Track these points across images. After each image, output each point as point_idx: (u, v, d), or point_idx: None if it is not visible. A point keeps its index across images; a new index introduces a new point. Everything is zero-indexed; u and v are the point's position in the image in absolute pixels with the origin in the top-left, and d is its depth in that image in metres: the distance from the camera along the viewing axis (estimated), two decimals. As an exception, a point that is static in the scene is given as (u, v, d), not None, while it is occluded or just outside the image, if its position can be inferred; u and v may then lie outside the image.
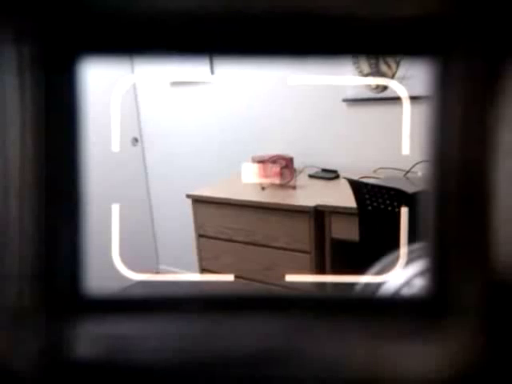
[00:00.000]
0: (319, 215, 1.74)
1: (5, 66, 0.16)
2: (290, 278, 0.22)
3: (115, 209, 0.22)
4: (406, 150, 0.21)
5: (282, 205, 1.81)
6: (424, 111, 0.17)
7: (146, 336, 0.17)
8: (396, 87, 0.20)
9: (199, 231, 2.06)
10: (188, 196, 2.03)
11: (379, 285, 0.23)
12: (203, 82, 2.56)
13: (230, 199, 1.92)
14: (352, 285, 0.23)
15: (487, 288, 0.16)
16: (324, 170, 2.14)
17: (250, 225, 1.91)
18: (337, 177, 2.06)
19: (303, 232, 1.78)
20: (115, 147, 0.23)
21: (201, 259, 2.09)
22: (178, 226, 2.83)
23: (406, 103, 0.20)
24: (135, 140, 2.84)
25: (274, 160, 1.98)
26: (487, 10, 0.15)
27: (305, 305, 0.18)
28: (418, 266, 0.23)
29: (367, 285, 0.23)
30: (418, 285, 0.22)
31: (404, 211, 0.21)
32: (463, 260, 0.17)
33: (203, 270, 2.09)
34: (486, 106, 0.16)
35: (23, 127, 0.16)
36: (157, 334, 0.17)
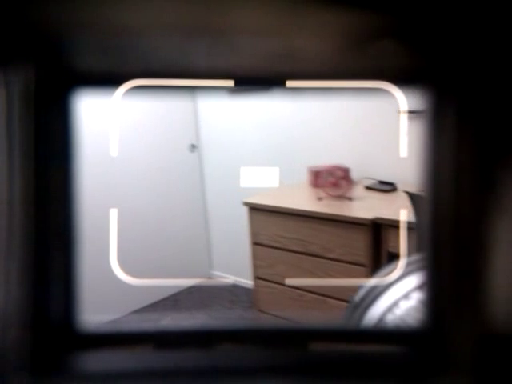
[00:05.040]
0: (376, 228, 1.72)
1: None
2: (290, 281, 0.23)
3: (113, 214, 0.21)
4: (403, 152, 0.22)
5: (339, 216, 1.79)
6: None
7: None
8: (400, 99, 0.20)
9: (254, 239, 2.08)
10: (245, 203, 2.06)
11: (376, 296, 0.24)
12: (263, 90, 2.59)
13: (286, 208, 1.93)
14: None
15: (480, 341, 0.16)
16: (381, 182, 2.11)
17: (306, 235, 1.91)
18: (394, 189, 2.03)
19: (359, 244, 1.77)
20: (113, 152, 0.22)
21: (255, 267, 2.11)
22: (234, 232, 2.87)
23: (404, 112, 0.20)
24: (193, 146, 2.91)
25: (330, 171, 1.98)
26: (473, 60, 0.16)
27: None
28: (417, 279, 0.23)
29: (363, 299, 0.24)
30: (416, 297, 0.22)
31: (403, 213, 0.21)
32: (457, 310, 0.16)
33: (257, 278, 2.11)
34: (477, 152, 0.16)
35: (12, 157, 0.16)
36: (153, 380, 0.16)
